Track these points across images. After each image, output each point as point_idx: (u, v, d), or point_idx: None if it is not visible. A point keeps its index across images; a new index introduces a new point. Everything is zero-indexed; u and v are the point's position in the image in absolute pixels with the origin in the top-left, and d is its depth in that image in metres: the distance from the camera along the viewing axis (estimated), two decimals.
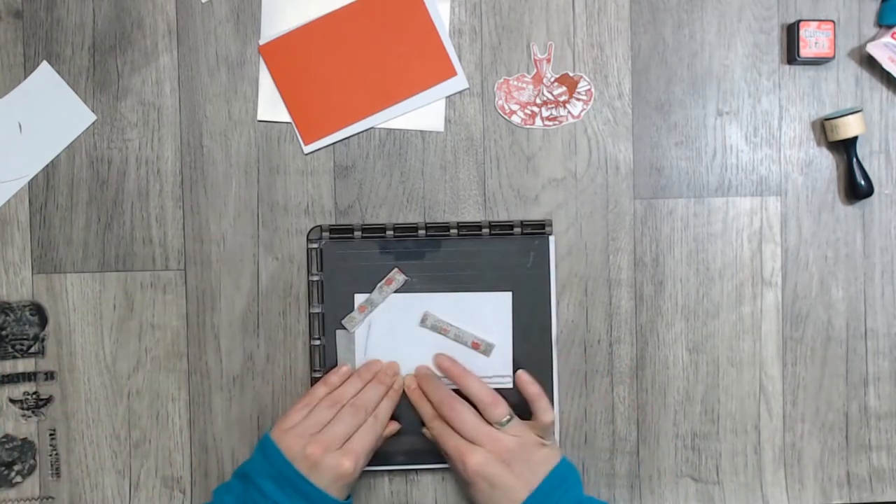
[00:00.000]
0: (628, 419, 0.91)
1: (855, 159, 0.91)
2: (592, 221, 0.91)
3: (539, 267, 0.90)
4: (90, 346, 0.89)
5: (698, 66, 0.92)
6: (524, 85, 0.91)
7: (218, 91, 0.90)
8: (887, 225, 0.92)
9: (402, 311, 0.89)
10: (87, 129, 0.90)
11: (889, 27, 0.91)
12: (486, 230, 0.89)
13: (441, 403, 0.84)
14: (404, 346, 0.89)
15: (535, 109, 0.91)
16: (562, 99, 0.91)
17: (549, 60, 0.91)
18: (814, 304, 0.92)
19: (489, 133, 0.91)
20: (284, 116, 0.90)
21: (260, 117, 0.90)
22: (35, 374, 0.89)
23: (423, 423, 0.87)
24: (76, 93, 0.90)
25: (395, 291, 0.89)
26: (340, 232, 0.89)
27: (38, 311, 0.89)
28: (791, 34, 0.91)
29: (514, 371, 0.89)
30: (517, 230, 0.89)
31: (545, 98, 0.91)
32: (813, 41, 0.90)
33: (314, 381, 0.88)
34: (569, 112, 0.91)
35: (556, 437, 0.89)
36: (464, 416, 0.83)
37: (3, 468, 0.89)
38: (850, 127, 0.89)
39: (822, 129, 0.92)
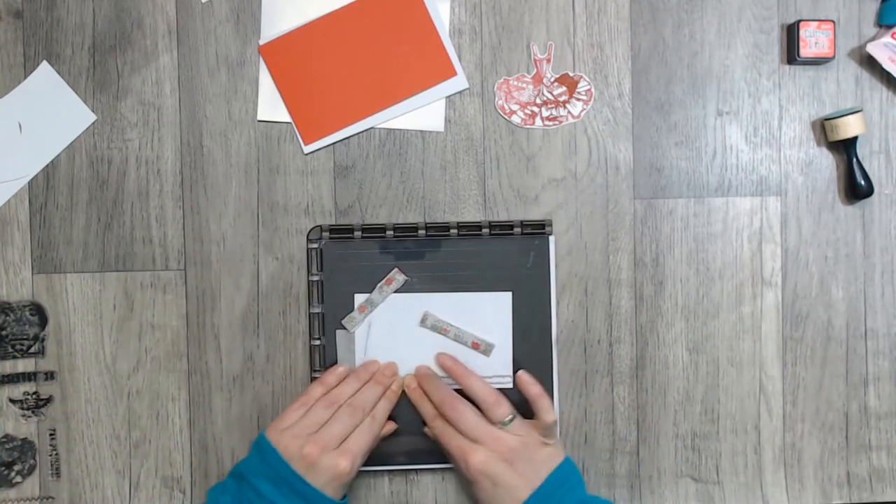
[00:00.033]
0: (628, 419, 0.91)
1: (855, 159, 0.91)
2: (592, 221, 0.91)
3: (539, 267, 0.89)
4: (90, 346, 0.89)
5: (698, 66, 0.92)
6: (524, 85, 0.91)
7: (218, 91, 0.90)
8: (887, 225, 0.92)
9: (402, 311, 0.89)
10: (87, 129, 0.90)
11: (889, 27, 0.91)
12: (486, 230, 0.89)
13: (442, 403, 0.85)
14: (404, 346, 0.89)
15: (535, 109, 0.91)
16: (562, 99, 0.91)
17: (549, 60, 0.91)
18: (814, 304, 0.92)
19: (489, 133, 0.91)
20: (284, 116, 0.90)
21: (260, 117, 0.90)
22: (35, 374, 0.89)
23: (424, 423, 0.87)
24: (76, 93, 0.90)
25: (395, 291, 0.89)
26: (340, 232, 0.89)
27: (38, 311, 0.89)
28: (791, 34, 0.91)
29: (515, 371, 0.89)
30: (517, 230, 0.89)
31: (545, 98, 0.91)
32: (813, 41, 0.90)
33: (314, 381, 0.88)
34: (569, 112, 0.91)
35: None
36: (465, 415, 0.83)
37: (3, 468, 0.89)
38: (850, 127, 0.89)
39: (822, 129, 0.92)
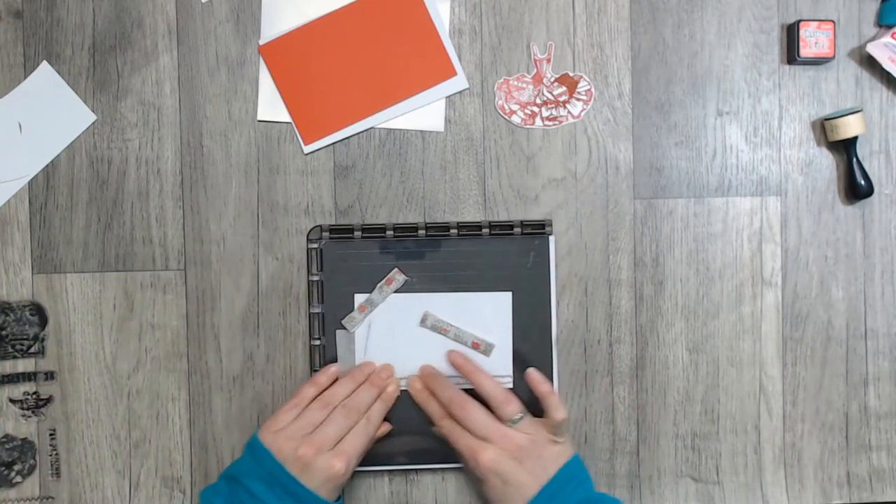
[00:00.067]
0: (628, 419, 0.91)
1: (855, 159, 0.91)
2: (592, 221, 0.91)
3: (539, 267, 0.90)
4: (90, 346, 0.89)
5: (698, 66, 0.92)
6: (524, 85, 0.91)
7: (218, 91, 0.90)
8: (887, 225, 0.92)
9: (402, 311, 0.89)
10: (87, 129, 0.90)
11: (889, 27, 0.91)
12: (486, 230, 0.89)
13: (450, 402, 0.84)
14: (404, 346, 0.89)
15: (535, 109, 0.91)
16: (562, 99, 0.91)
17: (549, 60, 0.91)
18: (814, 304, 0.92)
19: (489, 133, 0.91)
20: (284, 116, 0.90)
21: (260, 117, 0.90)
22: (35, 374, 0.89)
23: (430, 423, 0.87)
24: (76, 93, 0.90)
25: (395, 291, 0.89)
26: (340, 232, 0.89)
27: (38, 311, 0.89)
28: (791, 34, 0.91)
29: (514, 371, 0.89)
30: (517, 230, 0.89)
31: (545, 98, 0.91)
32: (813, 41, 0.90)
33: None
34: (569, 112, 0.91)
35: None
36: (474, 413, 0.83)
37: (3, 468, 0.89)
38: (850, 127, 0.89)
39: (822, 129, 0.92)
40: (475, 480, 0.86)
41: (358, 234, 0.89)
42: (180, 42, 0.90)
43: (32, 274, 0.89)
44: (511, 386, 0.89)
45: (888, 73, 0.91)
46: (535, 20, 0.91)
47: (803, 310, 0.92)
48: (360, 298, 0.89)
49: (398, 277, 0.89)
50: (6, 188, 0.89)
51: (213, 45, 0.90)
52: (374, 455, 0.88)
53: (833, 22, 0.90)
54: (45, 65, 0.89)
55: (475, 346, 0.89)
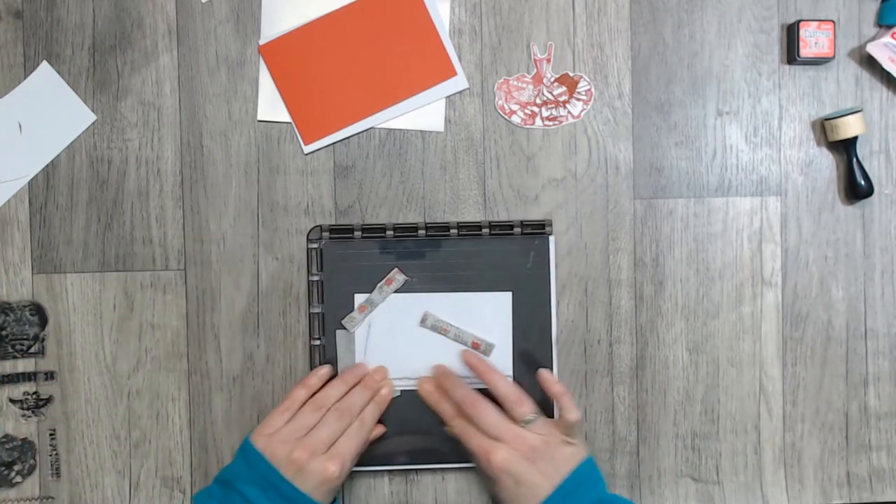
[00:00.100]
0: (628, 419, 0.91)
1: (855, 159, 0.91)
2: (592, 221, 0.91)
3: (539, 267, 0.90)
4: (90, 346, 0.89)
5: (698, 66, 0.92)
6: (524, 85, 0.91)
7: (218, 91, 0.90)
8: (887, 225, 0.92)
9: (402, 311, 0.89)
10: (87, 129, 0.90)
11: (889, 27, 0.91)
12: (486, 230, 0.89)
13: (463, 401, 0.84)
14: (404, 346, 0.89)
15: (535, 109, 0.91)
16: (562, 99, 0.91)
17: (549, 60, 0.91)
18: (814, 304, 0.92)
19: (489, 133, 0.91)
20: (284, 116, 0.90)
21: (260, 117, 0.90)
22: (35, 374, 0.89)
23: (442, 422, 0.87)
24: (76, 93, 0.90)
25: (395, 291, 0.89)
26: (340, 232, 0.89)
27: (38, 311, 0.89)
28: (791, 34, 0.91)
29: (514, 371, 0.89)
30: (517, 230, 0.89)
31: (545, 98, 0.91)
32: (813, 41, 0.90)
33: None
34: (569, 112, 0.91)
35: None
36: (487, 413, 0.83)
37: (3, 468, 0.89)
38: (850, 127, 0.89)
39: (822, 129, 0.92)
40: (487, 480, 0.86)
41: (358, 234, 0.89)
42: (180, 42, 0.90)
43: (32, 274, 0.89)
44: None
45: (888, 73, 0.91)
46: (535, 20, 0.91)
47: (803, 310, 0.92)
48: (360, 298, 0.89)
49: (398, 277, 0.89)
50: (6, 188, 0.89)
51: (213, 45, 0.90)
52: (375, 455, 0.88)
53: (833, 22, 0.90)
54: (45, 65, 0.89)
55: (475, 346, 0.89)
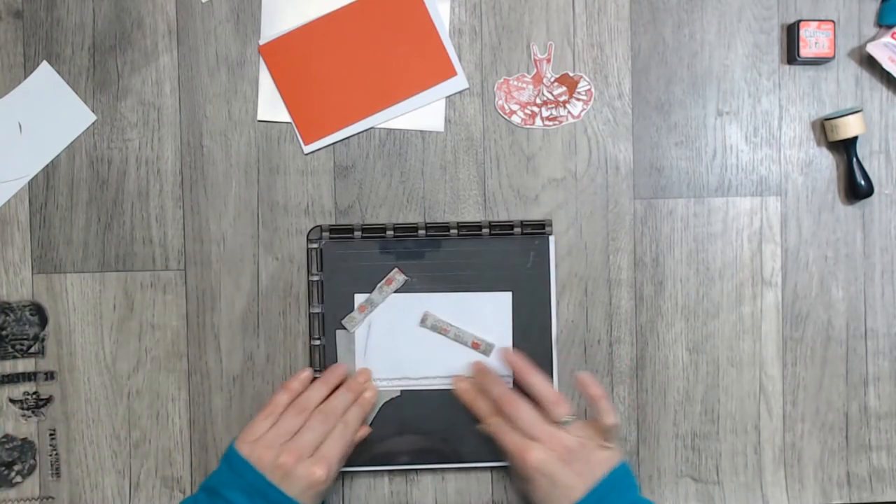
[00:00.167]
0: (628, 419, 0.91)
1: (855, 159, 0.91)
2: (592, 221, 0.91)
3: (539, 267, 0.90)
4: (90, 346, 0.89)
5: (698, 66, 0.92)
6: (524, 85, 0.91)
7: (218, 91, 0.90)
8: (887, 225, 0.92)
9: (402, 311, 0.89)
10: (87, 129, 0.90)
11: (889, 27, 0.91)
12: (486, 230, 0.89)
13: (501, 399, 0.84)
14: (404, 346, 0.89)
15: (535, 109, 0.91)
16: (562, 99, 0.91)
17: (549, 60, 0.91)
18: (814, 304, 0.92)
19: (489, 133, 0.91)
20: (284, 116, 0.90)
21: (260, 117, 0.90)
22: (35, 374, 0.89)
23: (476, 420, 0.87)
24: (76, 93, 0.90)
25: (395, 291, 0.89)
26: (340, 232, 0.89)
27: (38, 311, 0.89)
28: (791, 34, 0.91)
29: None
30: (517, 230, 0.89)
31: (545, 98, 0.91)
32: (813, 41, 0.90)
33: (314, 381, 0.88)
34: (569, 112, 0.91)
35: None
36: (525, 412, 0.82)
37: (3, 468, 0.89)
38: (850, 127, 0.89)
39: (822, 129, 0.92)
40: (519, 479, 0.85)
41: (358, 234, 0.89)
42: (180, 42, 0.90)
43: (32, 274, 0.89)
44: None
45: (888, 73, 0.91)
46: (535, 20, 0.91)
47: (803, 310, 0.92)
48: (360, 298, 0.89)
49: (398, 277, 0.89)
50: (6, 188, 0.89)
51: (213, 45, 0.90)
52: (375, 455, 0.88)
53: (833, 22, 0.90)
54: (45, 65, 0.89)
55: (475, 346, 0.89)
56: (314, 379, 0.87)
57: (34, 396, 0.89)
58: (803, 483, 0.92)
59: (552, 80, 0.91)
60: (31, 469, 0.89)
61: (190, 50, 0.90)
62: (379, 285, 0.89)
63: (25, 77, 0.89)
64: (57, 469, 0.90)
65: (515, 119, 0.91)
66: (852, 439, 0.92)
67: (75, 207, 0.90)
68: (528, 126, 0.91)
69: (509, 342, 0.89)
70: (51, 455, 0.89)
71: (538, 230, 0.89)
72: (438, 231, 0.89)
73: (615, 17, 0.91)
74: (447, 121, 0.91)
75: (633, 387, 0.91)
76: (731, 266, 0.92)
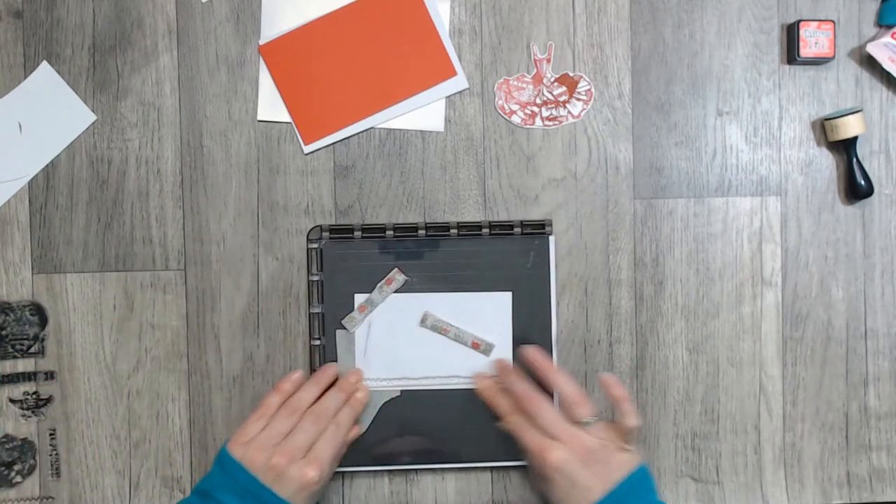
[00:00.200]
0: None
1: (855, 159, 0.91)
2: (592, 221, 0.91)
3: (539, 267, 0.90)
4: (90, 346, 0.89)
5: (698, 66, 0.92)
6: (524, 85, 0.91)
7: (218, 91, 0.90)
8: (887, 225, 0.92)
9: (402, 311, 0.89)
10: (87, 129, 0.90)
11: (889, 27, 0.91)
12: (486, 230, 0.89)
13: (523, 397, 0.84)
14: (404, 346, 0.89)
15: (535, 109, 0.91)
16: (562, 99, 0.91)
17: (549, 60, 0.91)
18: (814, 304, 0.92)
19: (489, 133, 0.91)
20: (284, 116, 0.90)
21: (260, 117, 0.90)
22: (35, 374, 0.89)
23: (497, 418, 0.86)
24: (76, 93, 0.90)
25: (395, 291, 0.89)
26: (340, 232, 0.89)
27: (38, 311, 0.89)
28: (791, 34, 0.91)
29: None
30: (517, 230, 0.89)
31: (545, 98, 0.91)
32: (813, 41, 0.90)
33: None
34: (569, 112, 0.91)
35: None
36: (546, 411, 0.82)
37: (3, 468, 0.89)
38: (850, 127, 0.89)
39: (822, 129, 0.92)
40: (537, 478, 0.85)
41: (358, 234, 0.89)
42: (180, 42, 0.90)
43: (32, 274, 0.89)
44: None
45: (888, 73, 0.91)
46: (535, 20, 0.91)
47: (803, 310, 0.92)
48: (360, 298, 0.89)
49: (398, 277, 0.89)
50: (6, 188, 0.89)
51: (213, 45, 0.90)
52: (375, 455, 0.88)
53: (833, 22, 0.90)
54: (45, 65, 0.89)
55: (475, 346, 0.89)
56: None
57: (34, 396, 0.89)
58: (803, 483, 0.92)
59: (552, 80, 0.91)
60: (31, 469, 0.89)
61: (190, 50, 0.90)
62: (379, 285, 0.89)
63: (25, 77, 0.89)
64: (57, 469, 0.90)
65: (515, 119, 0.91)
66: (852, 439, 0.92)
67: (75, 207, 0.90)
68: (528, 126, 0.91)
69: (509, 342, 0.89)
70: (51, 455, 0.89)
71: (538, 230, 0.89)
72: (438, 231, 0.89)
73: (615, 17, 0.91)
74: (447, 121, 0.91)
75: (633, 387, 0.91)
76: (731, 266, 0.92)
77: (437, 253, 0.89)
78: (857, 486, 0.92)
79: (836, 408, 0.92)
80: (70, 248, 0.90)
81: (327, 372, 0.87)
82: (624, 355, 0.91)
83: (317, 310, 0.89)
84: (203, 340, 0.90)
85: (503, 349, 0.89)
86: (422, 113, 0.90)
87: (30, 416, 0.89)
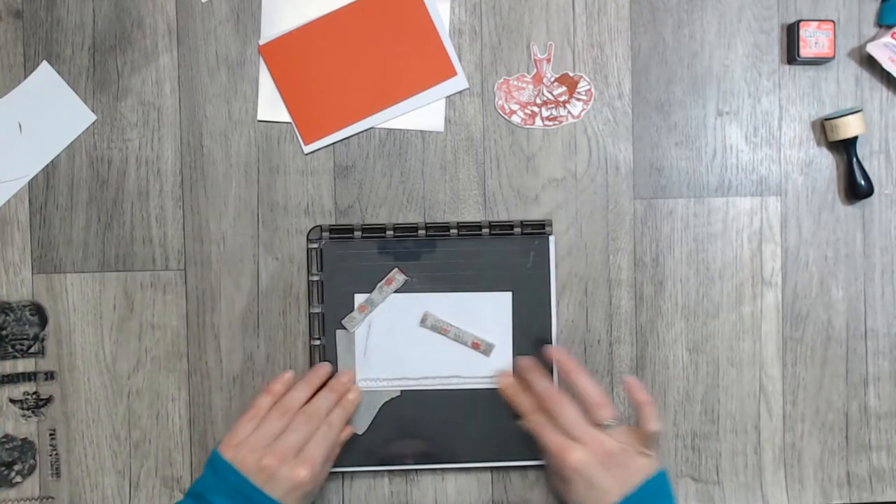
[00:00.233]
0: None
1: (855, 159, 0.91)
2: (592, 221, 0.91)
3: (539, 267, 0.90)
4: (90, 346, 0.90)
5: (698, 66, 0.92)
6: (524, 85, 0.91)
7: (218, 91, 0.90)
8: (887, 225, 0.92)
9: (402, 311, 0.89)
10: (87, 129, 0.90)
11: (889, 27, 0.91)
12: (486, 230, 0.89)
13: (545, 396, 0.84)
14: (404, 346, 0.89)
15: (535, 109, 0.91)
16: (562, 99, 0.91)
17: (549, 60, 0.91)
18: (814, 304, 0.92)
19: (489, 133, 0.91)
20: (284, 116, 0.90)
21: (260, 117, 0.90)
22: (35, 374, 0.89)
23: (517, 416, 0.86)
24: (76, 93, 0.90)
25: (395, 291, 0.89)
26: (340, 232, 0.89)
27: (38, 311, 0.89)
28: (791, 34, 0.91)
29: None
30: (517, 230, 0.89)
31: (545, 98, 0.91)
32: (813, 41, 0.90)
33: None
34: (569, 112, 0.91)
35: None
36: (568, 412, 0.82)
37: (3, 468, 0.89)
38: (850, 127, 0.89)
39: (822, 129, 0.92)
40: (554, 478, 0.85)
41: (358, 234, 0.89)
42: (180, 42, 0.90)
43: (32, 274, 0.89)
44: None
45: (888, 73, 0.91)
46: (535, 20, 0.91)
47: (803, 310, 0.92)
48: (360, 298, 0.89)
49: (398, 277, 0.89)
50: (6, 188, 0.89)
51: (213, 45, 0.90)
52: (375, 455, 0.88)
53: (833, 22, 0.90)
54: (45, 65, 0.89)
55: (475, 346, 0.89)
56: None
57: (34, 396, 0.89)
58: (803, 483, 0.92)
59: (552, 80, 0.91)
60: (31, 469, 0.89)
61: (190, 50, 0.90)
62: (379, 285, 0.89)
63: (25, 77, 0.89)
64: (57, 469, 0.90)
65: (515, 119, 0.91)
66: (852, 439, 0.92)
67: (75, 207, 0.90)
68: (528, 126, 0.91)
69: (509, 342, 0.89)
70: (51, 455, 0.89)
71: (538, 230, 0.89)
72: (438, 231, 0.89)
73: (615, 17, 0.91)
74: (447, 121, 0.91)
75: None
76: (731, 266, 0.92)
77: (437, 253, 0.89)
78: (857, 486, 0.92)
79: (836, 408, 0.92)
80: (70, 248, 0.90)
81: (319, 372, 0.87)
82: (624, 355, 0.91)
83: (317, 310, 0.89)
84: (203, 340, 0.90)
85: (503, 349, 0.89)
86: (422, 113, 0.90)
87: (30, 416, 0.89)
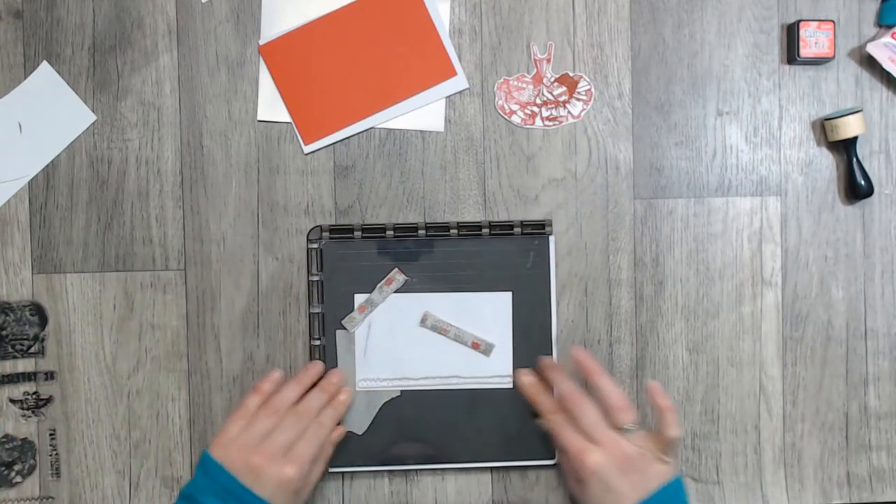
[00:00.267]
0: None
1: (855, 159, 0.91)
2: (592, 221, 0.91)
3: (539, 267, 0.89)
4: (90, 346, 0.89)
5: (698, 66, 0.92)
6: (524, 85, 0.91)
7: (218, 91, 0.90)
8: (887, 225, 0.92)
9: (402, 311, 0.89)
10: (87, 129, 0.90)
11: (889, 27, 0.91)
12: (486, 230, 0.89)
13: (566, 396, 0.83)
14: (404, 346, 0.89)
15: (535, 109, 0.91)
16: (562, 99, 0.91)
17: (549, 60, 0.91)
18: (814, 304, 0.92)
19: (489, 133, 0.91)
20: (284, 116, 0.90)
21: (260, 117, 0.90)
22: (35, 374, 0.89)
23: (535, 415, 0.86)
24: (76, 93, 0.90)
25: (395, 291, 0.89)
26: (340, 232, 0.89)
27: (38, 311, 0.89)
28: (791, 34, 0.91)
29: (514, 369, 0.89)
30: (517, 230, 0.89)
31: (545, 98, 0.91)
32: (813, 41, 0.90)
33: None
34: (569, 112, 0.91)
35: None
36: (589, 413, 0.82)
37: (3, 468, 0.89)
38: (850, 127, 0.89)
39: (822, 129, 0.92)
40: (570, 479, 0.85)
41: (358, 234, 0.89)
42: (180, 42, 0.90)
43: (32, 274, 0.89)
44: (511, 386, 0.89)
45: (888, 73, 0.91)
46: (535, 20, 0.91)
47: (803, 310, 0.92)
48: (360, 298, 0.89)
49: (398, 277, 0.89)
50: (6, 188, 0.89)
51: (213, 45, 0.90)
52: (375, 455, 0.88)
53: (833, 22, 0.90)
54: (45, 65, 0.89)
55: (475, 346, 0.89)
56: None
57: (34, 396, 0.89)
58: (803, 483, 0.92)
59: (552, 80, 0.91)
60: (31, 469, 0.89)
61: (190, 50, 0.90)
62: (379, 285, 0.89)
63: (25, 77, 0.89)
64: (57, 469, 0.90)
65: (515, 119, 0.91)
66: (852, 439, 0.92)
67: (75, 207, 0.90)
68: (528, 126, 0.91)
69: (509, 342, 0.89)
70: (51, 455, 0.89)
71: (538, 230, 0.89)
72: (438, 231, 0.89)
73: (615, 17, 0.91)
74: (447, 121, 0.91)
75: (634, 387, 0.91)
76: (731, 266, 0.92)
77: (437, 253, 0.89)
78: (857, 486, 0.92)
79: (836, 408, 0.92)
80: (70, 248, 0.90)
81: (310, 371, 0.87)
82: (624, 355, 0.91)
83: (317, 310, 0.89)
84: (203, 340, 0.90)
85: (503, 349, 0.89)
86: (422, 113, 0.90)
87: (30, 416, 0.89)
